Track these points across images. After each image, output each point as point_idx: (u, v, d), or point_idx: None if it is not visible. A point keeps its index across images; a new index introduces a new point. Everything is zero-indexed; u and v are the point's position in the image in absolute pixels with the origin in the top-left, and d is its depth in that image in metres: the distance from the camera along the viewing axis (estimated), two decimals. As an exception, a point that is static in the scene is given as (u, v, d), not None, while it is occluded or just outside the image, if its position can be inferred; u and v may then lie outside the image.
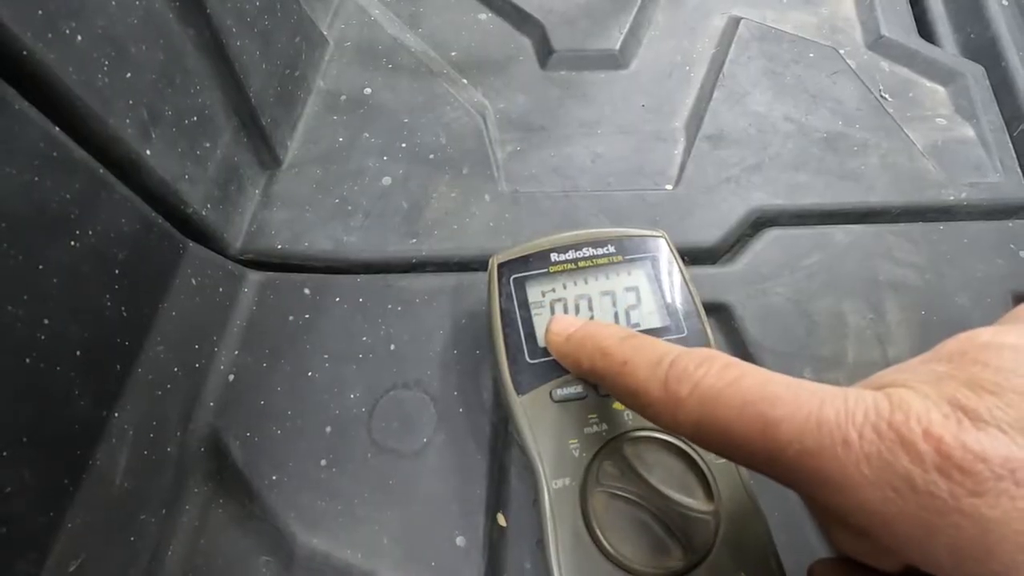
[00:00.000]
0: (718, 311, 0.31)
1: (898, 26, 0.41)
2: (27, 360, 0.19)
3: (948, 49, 0.41)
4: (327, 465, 0.26)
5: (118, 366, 0.23)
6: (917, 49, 0.40)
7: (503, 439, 0.27)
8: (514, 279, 0.25)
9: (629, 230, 0.27)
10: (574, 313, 0.25)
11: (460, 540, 0.25)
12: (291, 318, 0.30)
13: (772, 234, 0.32)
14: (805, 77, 0.38)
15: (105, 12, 0.21)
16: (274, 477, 0.26)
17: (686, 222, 0.33)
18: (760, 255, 0.32)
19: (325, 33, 0.38)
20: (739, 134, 0.36)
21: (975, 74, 0.38)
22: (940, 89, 0.39)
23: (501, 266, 0.26)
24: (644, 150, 0.36)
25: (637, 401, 0.17)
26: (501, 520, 0.26)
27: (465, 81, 0.39)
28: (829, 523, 0.16)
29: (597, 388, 0.23)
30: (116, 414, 0.23)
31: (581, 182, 0.35)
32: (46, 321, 0.20)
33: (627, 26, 0.40)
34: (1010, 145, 0.36)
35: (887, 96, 0.38)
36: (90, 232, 0.21)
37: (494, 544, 0.25)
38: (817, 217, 0.33)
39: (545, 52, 0.40)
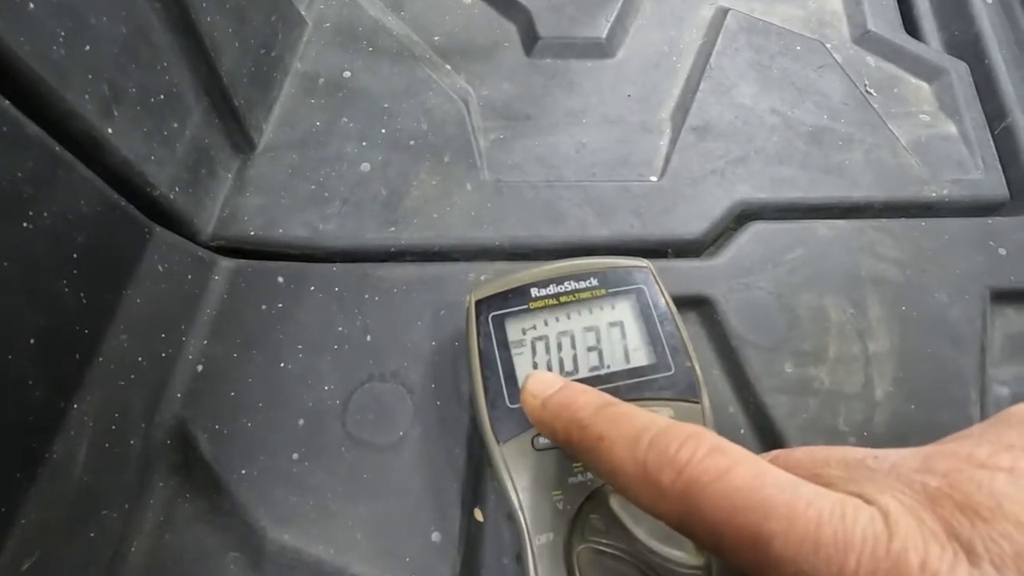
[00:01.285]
0: (701, 304, 0.30)
1: (884, 21, 0.41)
2: (-26, 348, 0.18)
3: (933, 45, 0.41)
4: (299, 459, 0.26)
5: (77, 355, 0.22)
6: (903, 45, 0.40)
7: (481, 441, 0.27)
8: (493, 317, 0.24)
9: (612, 261, 0.26)
10: (556, 352, 0.24)
11: (436, 536, 0.24)
12: (264, 307, 0.29)
13: (756, 228, 0.32)
14: (791, 70, 0.38)
15: (61, -21, 0.20)
16: (244, 471, 0.25)
17: (671, 214, 0.32)
18: (744, 248, 0.31)
19: (304, 13, 0.37)
20: (725, 126, 0.35)
21: (959, 71, 0.38)
22: (924, 85, 0.39)
23: (479, 303, 0.24)
24: (629, 141, 0.35)
25: (615, 481, 0.15)
26: (478, 515, 0.25)
27: (448, 66, 0.38)
28: None
29: None
30: (75, 405, 0.22)
31: (565, 172, 0.34)
32: (-4, 306, 0.19)
33: (614, 14, 0.40)
34: (991, 143, 0.36)
35: (872, 91, 0.38)
36: (45, 214, 0.20)
37: (471, 540, 0.25)
38: (801, 211, 0.33)
39: (531, 39, 0.39)
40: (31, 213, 0.20)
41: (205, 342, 0.28)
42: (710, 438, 0.14)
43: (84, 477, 0.22)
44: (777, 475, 0.13)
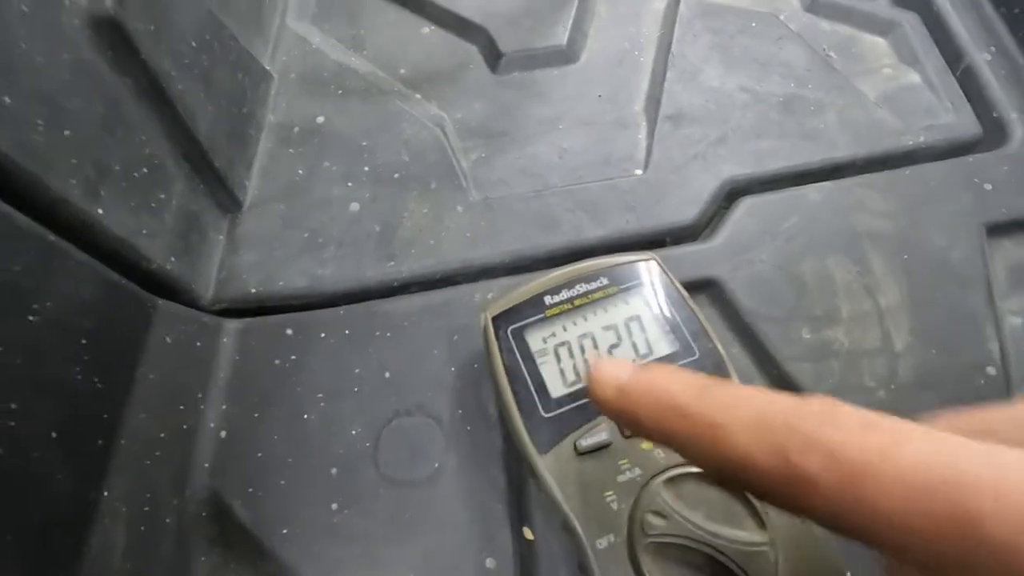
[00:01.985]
0: (708, 287, 0.30)
1: (831, -14, 0.42)
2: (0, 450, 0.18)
3: (881, 1, 0.42)
4: (338, 508, 0.25)
5: (99, 441, 0.22)
6: (852, 5, 0.41)
7: (517, 453, 0.26)
8: (512, 331, 0.24)
9: (618, 258, 0.26)
10: (580, 355, 0.23)
11: (490, 562, 0.24)
12: (277, 362, 0.28)
13: (747, 203, 0.33)
14: (752, 46, 0.38)
15: (31, 69, 0.20)
16: (284, 531, 0.25)
17: (661, 204, 0.33)
18: (739, 225, 0.32)
19: (267, 67, 0.37)
20: (698, 111, 0.36)
21: (911, 22, 0.39)
22: (880, 40, 0.40)
23: (495, 319, 0.24)
24: (608, 139, 0.36)
25: (739, 477, 0.13)
26: (528, 534, 0.25)
27: (418, 96, 0.38)
28: None
29: (621, 429, 0.21)
30: (105, 492, 0.22)
31: (551, 179, 0.34)
32: (14, 405, 0.18)
33: (571, 20, 0.40)
34: (956, 85, 0.37)
35: (832, 54, 0.39)
36: (48, 304, 0.20)
37: (525, 560, 0.24)
38: (787, 180, 0.34)
39: (494, 56, 0.39)
40: (35, 305, 0.19)
41: (224, 407, 0.27)
42: (852, 410, 0.12)
43: (125, 565, 0.21)
44: (963, 442, 0.10)
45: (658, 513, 0.20)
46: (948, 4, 0.40)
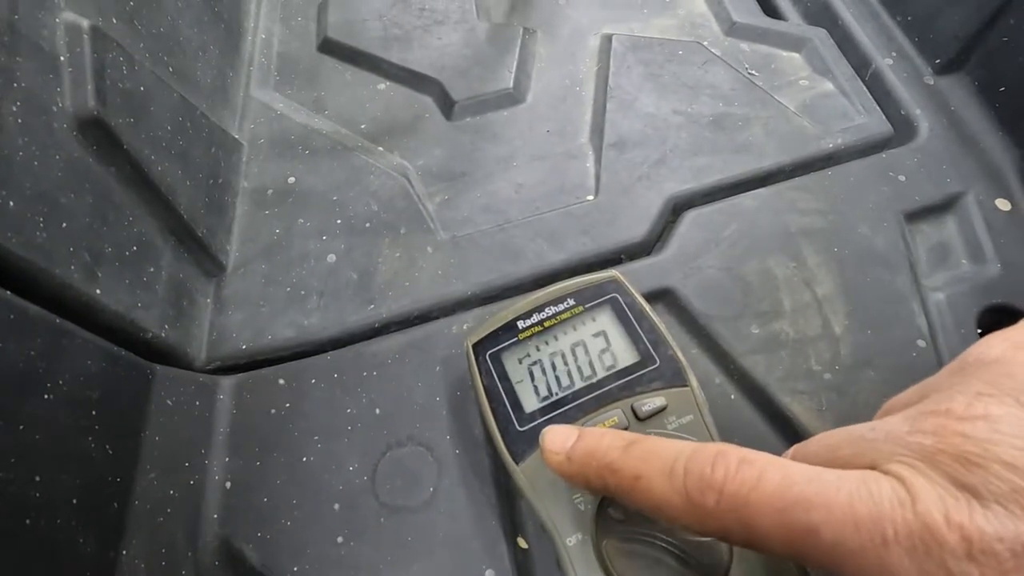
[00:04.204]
0: (664, 296, 0.33)
1: (745, 11, 0.46)
2: (27, 520, 0.19)
3: (793, 20, 0.47)
4: (344, 541, 0.27)
5: (115, 504, 0.23)
6: (767, 27, 0.45)
7: (503, 468, 0.29)
8: (490, 355, 0.26)
9: (582, 279, 0.28)
10: (551, 371, 0.26)
11: (489, 573, 0.26)
12: (272, 411, 0.30)
13: (691, 216, 0.36)
14: (680, 72, 0.42)
15: (30, 173, 0.22)
16: (295, 568, 0.26)
17: (614, 225, 0.36)
18: (686, 237, 0.35)
19: (237, 136, 0.40)
20: (638, 136, 0.39)
21: (820, 37, 0.44)
22: (795, 55, 0.44)
23: (475, 346, 0.27)
24: (560, 170, 0.39)
25: (660, 514, 0.16)
26: (522, 543, 0.27)
27: (381, 148, 0.41)
28: None
29: None
30: (124, 552, 0.23)
31: (511, 213, 0.37)
32: (37, 478, 0.20)
33: (515, 64, 0.44)
34: (865, 89, 0.41)
35: (754, 72, 0.43)
36: (60, 381, 0.22)
37: (521, 567, 0.26)
38: (725, 191, 0.37)
39: (447, 105, 0.42)
40: (49, 385, 0.21)
41: (227, 459, 0.29)
42: (734, 452, 0.15)
43: (148, 617, 0.23)
44: (802, 470, 0.14)
45: (619, 511, 0.22)
46: (851, 17, 0.44)
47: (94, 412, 0.23)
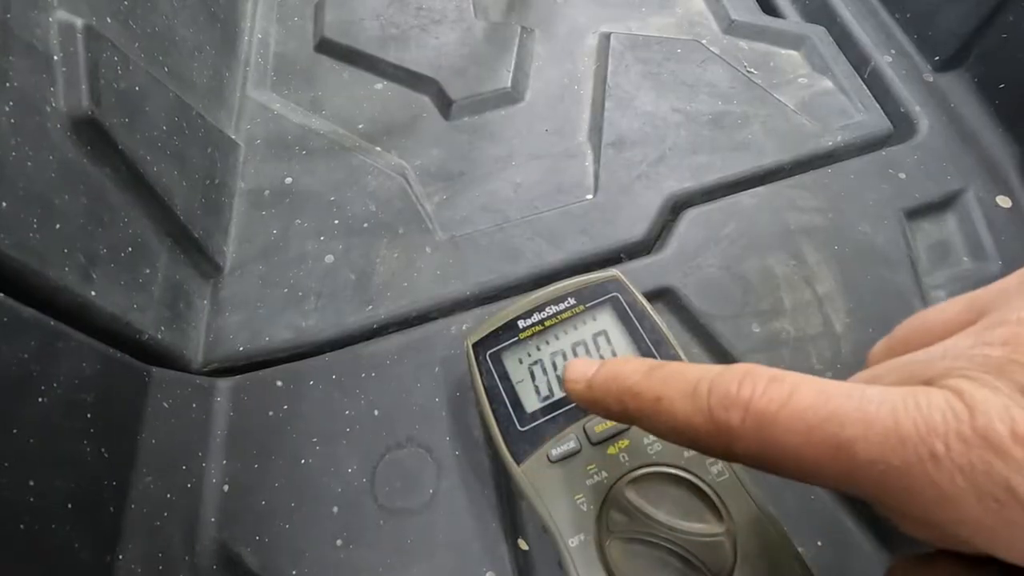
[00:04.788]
0: (664, 295, 0.33)
1: (744, 9, 0.46)
2: (22, 525, 0.19)
3: (791, 18, 0.47)
4: (343, 544, 0.27)
5: (111, 507, 0.23)
6: (766, 24, 0.45)
7: (504, 469, 0.28)
8: (490, 355, 0.26)
9: (583, 278, 0.28)
10: (552, 371, 0.25)
11: (490, 575, 0.26)
12: (270, 414, 0.30)
13: (690, 214, 0.36)
14: (679, 71, 0.42)
15: (24, 173, 0.22)
16: (293, 572, 0.26)
17: (613, 224, 0.36)
18: (685, 236, 0.35)
19: (233, 137, 0.40)
20: (637, 134, 0.39)
21: (819, 34, 0.43)
22: (794, 53, 0.44)
23: (475, 345, 0.27)
24: (558, 169, 0.39)
25: (683, 437, 0.15)
26: (522, 544, 0.27)
27: (379, 148, 0.41)
28: (909, 525, 0.14)
29: (589, 438, 0.24)
30: (120, 556, 0.23)
31: (510, 213, 0.37)
32: (32, 482, 0.20)
33: (512, 63, 0.43)
34: (864, 87, 0.41)
35: (752, 70, 0.42)
36: (55, 384, 0.22)
37: (522, 569, 0.26)
38: (724, 189, 0.37)
39: (445, 104, 0.42)
40: (43, 388, 0.21)
41: (224, 462, 0.29)
42: (765, 371, 0.14)
43: (146, 622, 0.23)
44: (840, 386, 0.13)
45: (622, 512, 0.21)
46: (850, 15, 0.44)
47: (89, 415, 0.23)
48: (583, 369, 0.19)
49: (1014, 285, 0.14)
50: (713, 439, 0.14)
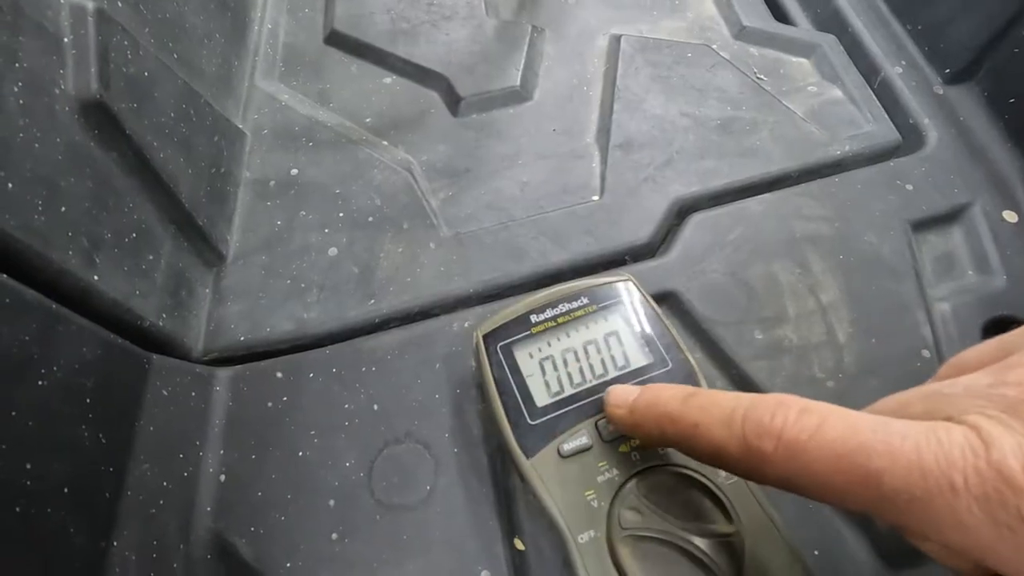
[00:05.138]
0: (667, 299, 0.33)
1: (755, 15, 0.46)
2: (17, 508, 0.19)
3: (802, 26, 0.46)
4: (338, 538, 0.27)
5: (107, 494, 0.23)
6: (777, 31, 0.45)
7: (502, 467, 0.28)
8: (501, 347, 0.26)
9: (597, 279, 0.28)
10: (563, 367, 0.26)
11: (485, 574, 0.25)
12: (269, 405, 0.30)
13: (696, 219, 0.35)
14: (688, 75, 0.42)
15: (31, 155, 0.22)
16: (288, 564, 0.26)
17: (619, 226, 0.35)
18: (690, 240, 0.35)
19: (240, 126, 0.39)
20: (645, 137, 0.39)
21: (829, 43, 0.43)
22: (804, 61, 0.44)
23: (486, 337, 0.26)
24: (565, 170, 0.39)
25: (718, 461, 0.17)
26: (519, 544, 0.26)
27: (385, 143, 0.41)
28: (929, 547, 0.16)
29: (601, 435, 0.24)
30: (115, 543, 0.23)
31: (515, 212, 0.37)
32: (28, 466, 0.20)
33: (522, 62, 0.43)
34: (874, 97, 0.41)
35: (762, 76, 0.42)
36: (55, 368, 0.21)
37: (518, 569, 0.26)
38: (731, 195, 0.37)
39: (453, 101, 0.42)
40: (43, 371, 0.21)
41: (222, 452, 0.29)
42: (796, 402, 0.15)
43: (138, 610, 0.23)
44: (867, 419, 0.14)
45: (633, 509, 0.22)
46: (861, 25, 0.44)
47: (88, 400, 0.23)
48: (624, 395, 0.21)
49: None
50: (746, 464, 0.16)
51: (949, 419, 0.13)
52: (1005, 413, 0.13)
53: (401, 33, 0.45)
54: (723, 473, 0.22)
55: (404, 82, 0.44)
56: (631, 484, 0.22)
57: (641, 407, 0.20)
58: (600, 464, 0.23)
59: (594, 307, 0.27)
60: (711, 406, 0.17)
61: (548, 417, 0.24)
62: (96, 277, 0.24)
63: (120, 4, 0.29)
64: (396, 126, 0.41)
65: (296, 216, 0.37)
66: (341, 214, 0.37)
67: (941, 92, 0.40)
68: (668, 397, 0.19)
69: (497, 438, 0.28)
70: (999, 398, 0.13)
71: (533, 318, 0.27)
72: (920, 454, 0.13)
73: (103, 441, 0.23)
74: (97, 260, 0.24)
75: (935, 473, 0.12)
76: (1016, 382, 0.13)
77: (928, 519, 0.13)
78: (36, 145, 0.22)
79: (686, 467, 0.22)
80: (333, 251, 0.35)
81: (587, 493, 0.22)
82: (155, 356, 0.27)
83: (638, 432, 0.20)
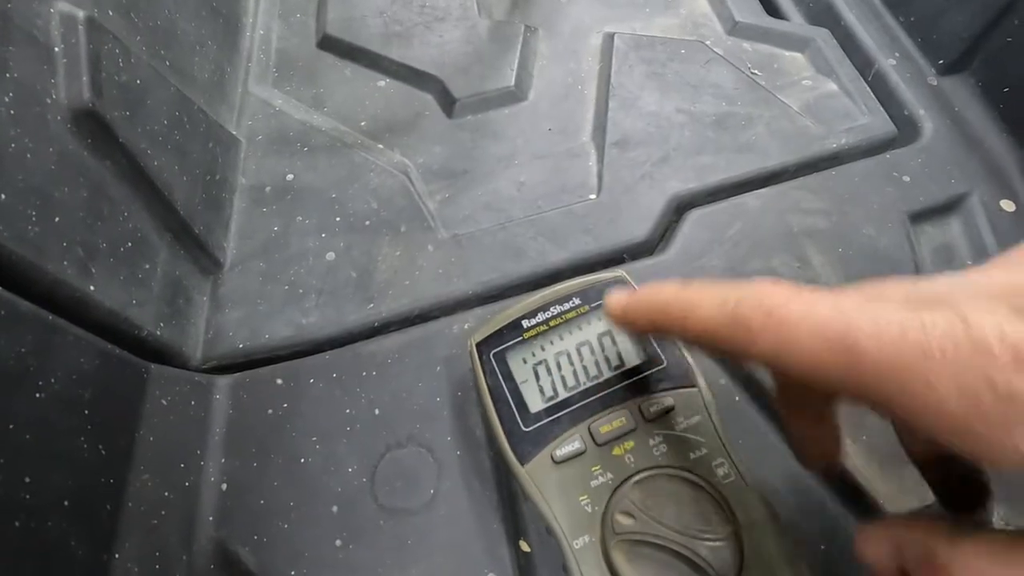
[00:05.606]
0: (667, 296, 0.33)
1: (748, 11, 0.46)
2: (17, 522, 0.19)
3: (795, 20, 0.46)
4: (343, 544, 0.26)
5: (108, 506, 0.23)
6: (770, 26, 0.45)
7: (505, 469, 0.28)
8: (494, 354, 0.26)
9: (588, 278, 0.27)
10: (557, 371, 0.25)
11: (491, 576, 0.25)
12: (270, 412, 0.30)
13: (694, 215, 0.35)
14: (683, 71, 0.42)
15: (23, 165, 0.22)
16: (292, 572, 0.26)
17: (617, 224, 0.35)
18: (689, 236, 0.35)
19: (235, 132, 0.39)
20: (641, 134, 0.39)
21: (823, 37, 0.43)
22: (798, 55, 0.44)
23: (479, 345, 0.26)
24: (562, 169, 0.38)
25: (707, 338, 0.17)
26: (524, 546, 0.26)
27: (381, 146, 0.40)
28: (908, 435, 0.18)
29: (595, 438, 0.23)
30: (116, 555, 0.23)
31: (513, 212, 0.37)
32: (27, 479, 0.20)
33: (516, 62, 0.43)
34: (868, 89, 0.41)
35: (756, 71, 0.42)
36: (52, 380, 0.21)
37: (523, 571, 0.26)
38: (728, 190, 0.37)
39: (448, 102, 0.42)
40: (40, 383, 0.21)
41: (223, 460, 0.28)
42: (786, 285, 0.16)
43: (142, 622, 0.22)
44: (854, 301, 0.15)
45: (627, 513, 0.21)
46: (854, 18, 0.44)
47: (87, 411, 0.23)
48: (618, 297, 0.21)
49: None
50: (733, 341, 0.16)
51: (933, 309, 0.14)
52: (989, 300, 0.14)
53: (394, 36, 0.45)
54: (719, 473, 0.22)
55: (398, 85, 0.44)
56: (625, 488, 0.22)
57: (635, 302, 0.20)
58: (594, 468, 0.23)
59: (586, 307, 0.27)
60: (704, 291, 0.18)
61: (541, 423, 0.24)
62: (92, 287, 0.24)
63: (111, 12, 0.29)
64: (391, 129, 0.41)
65: (293, 221, 0.36)
66: (338, 218, 0.36)
67: (935, 83, 0.40)
68: (660, 291, 0.19)
69: (493, 447, 0.27)
70: (984, 288, 0.14)
71: (525, 323, 0.26)
72: (904, 333, 0.13)
73: (103, 452, 0.23)
74: (93, 270, 0.24)
75: (913, 347, 0.13)
76: (1001, 278, 0.14)
77: (901, 389, 0.13)
78: (28, 155, 0.22)
79: (681, 469, 0.22)
80: (331, 256, 0.35)
81: (581, 498, 0.22)
82: (153, 365, 0.27)
83: (634, 327, 0.21)
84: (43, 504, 0.20)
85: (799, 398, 0.20)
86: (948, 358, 0.13)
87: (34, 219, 0.22)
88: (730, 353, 0.17)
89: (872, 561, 0.17)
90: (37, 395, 0.20)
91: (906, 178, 0.36)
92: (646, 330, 0.21)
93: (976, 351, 0.12)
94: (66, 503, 0.21)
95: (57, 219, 0.23)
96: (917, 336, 0.13)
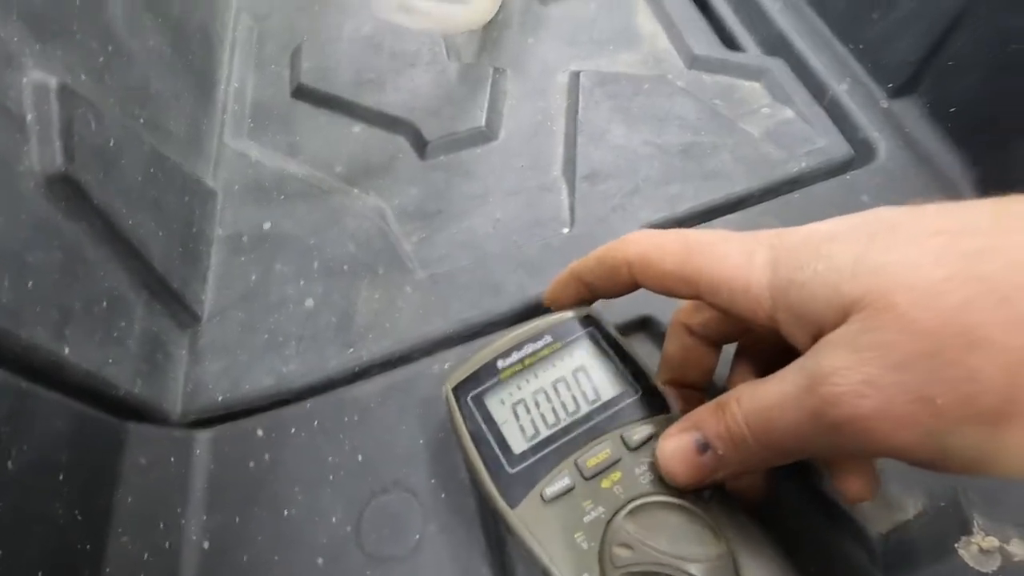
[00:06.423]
0: (645, 325, 0.33)
1: (706, 44, 0.48)
2: (-11, 599, 0.18)
3: (750, 50, 0.48)
4: (329, 597, 0.26)
5: (86, 573, 0.22)
6: (727, 58, 0.46)
7: (493, 513, 0.28)
8: (472, 398, 0.26)
9: (557, 316, 0.28)
10: (536, 409, 0.25)
11: (480, 621, 0.25)
12: (251, 464, 0.30)
13: (666, 243, 0.36)
14: (648, 105, 0.43)
15: (-5, 234, 0.22)
16: (278, 630, 0.25)
17: (591, 256, 0.36)
18: (662, 264, 0.35)
19: (211, 184, 0.40)
20: (610, 167, 0.40)
21: (777, 66, 0.45)
22: (756, 85, 0.45)
23: (455, 389, 0.26)
24: (535, 204, 0.39)
25: (590, 286, 0.26)
26: (513, 587, 0.26)
27: (356, 190, 0.41)
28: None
29: (582, 472, 0.23)
30: (95, 624, 0.22)
31: (490, 248, 0.37)
32: (0, 550, 0.19)
33: (486, 102, 0.45)
34: (824, 114, 0.42)
35: (717, 101, 0.44)
36: (26, 447, 0.21)
37: (514, 613, 0.25)
38: (697, 218, 0.38)
39: (420, 145, 0.43)
40: (13, 452, 0.20)
41: (204, 517, 0.28)
42: (644, 232, 0.24)
43: None
44: (700, 244, 0.21)
45: (624, 545, 0.21)
46: (806, 46, 0.46)
47: (62, 476, 0.22)
48: (554, 284, 0.29)
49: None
50: (606, 279, 0.26)
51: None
52: (767, 241, 0.20)
53: (367, 83, 0.46)
54: (705, 494, 0.22)
55: (372, 130, 0.45)
56: (618, 520, 0.22)
57: (554, 284, 0.29)
58: (585, 503, 0.23)
59: (559, 344, 0.27)
60: (590, 257, 0.26)
61: (527, 463, 0.24)
62: (67, 350, 0.24)
63: (84, 77, 0.30)
64: (366, 173, 0.42)
65: (271, 269, 0.37)
66: (316, 264, 0.37)
67: (886, 106, 0.42)
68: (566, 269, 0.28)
69: (479, 492, 0.27)
70: (775, 237, 0.20)
71: (500, 363, 0.27)
72: (731, 256, 0.20)
73: (79, 517, 0.23)
74: (67, 332, 0.24)
75: (739, 256, 0.20)
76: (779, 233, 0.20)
77: (725, 286, 0.20)
78: (1, 222, 0.22)
79: (669, 495, 0.22)
80: (310, 302, 0.35)
81: (576, 535, 0.22)
82: (131, 424, 0.27)
83: (559, 301, 0.28)
84: (17, 574, 0.20)
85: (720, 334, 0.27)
86: (765, 258, 0.19)
87: (7, 286, 0.22)
88: (609, 292, 0.26)
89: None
90: (9, 465, 0.20)
91: (865, 198, 0.37)
92: (572, 298, 0.28)
93: (784, 249, 0.19)
94: (41, 574, 0.20)
95: (31, 284, 0.23)
96: (739, 254, 0.20)
